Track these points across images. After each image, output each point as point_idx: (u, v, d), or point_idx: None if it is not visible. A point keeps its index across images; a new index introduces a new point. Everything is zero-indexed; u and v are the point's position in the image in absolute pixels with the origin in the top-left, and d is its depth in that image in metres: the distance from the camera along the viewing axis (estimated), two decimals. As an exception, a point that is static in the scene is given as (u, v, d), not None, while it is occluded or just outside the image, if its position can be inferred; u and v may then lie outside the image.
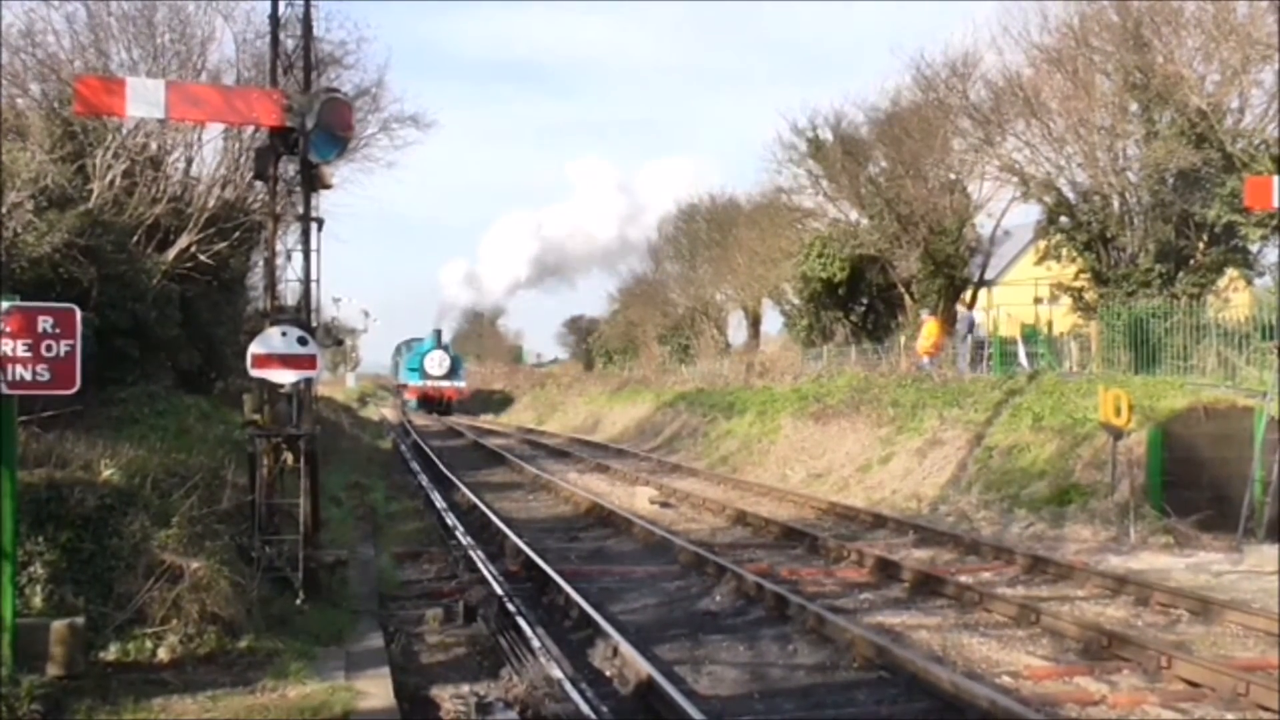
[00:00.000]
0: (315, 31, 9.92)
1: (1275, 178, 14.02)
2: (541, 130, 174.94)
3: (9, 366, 6.61)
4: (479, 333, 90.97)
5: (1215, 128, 21.16)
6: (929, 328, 24.58)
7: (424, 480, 21.60)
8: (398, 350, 67.36)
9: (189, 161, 18.66)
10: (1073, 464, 15.84)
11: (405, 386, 59.79)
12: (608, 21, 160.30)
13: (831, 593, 11.43)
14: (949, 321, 25.69)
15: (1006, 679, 8.18)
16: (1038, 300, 29.92)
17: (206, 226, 17.03)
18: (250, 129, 15.61)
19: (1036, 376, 19.78)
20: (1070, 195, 24.58)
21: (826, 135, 33.66)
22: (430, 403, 56.06)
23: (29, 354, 6.67)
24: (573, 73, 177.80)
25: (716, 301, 48.40)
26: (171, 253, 16.41)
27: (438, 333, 59.84)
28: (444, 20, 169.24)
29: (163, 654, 7.30)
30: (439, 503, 17.93)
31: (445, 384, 56.48)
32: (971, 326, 24.97)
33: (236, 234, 18.00)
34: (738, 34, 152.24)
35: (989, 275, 32.86)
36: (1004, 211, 29.88)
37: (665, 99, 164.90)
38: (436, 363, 56.46)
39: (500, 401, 63.42)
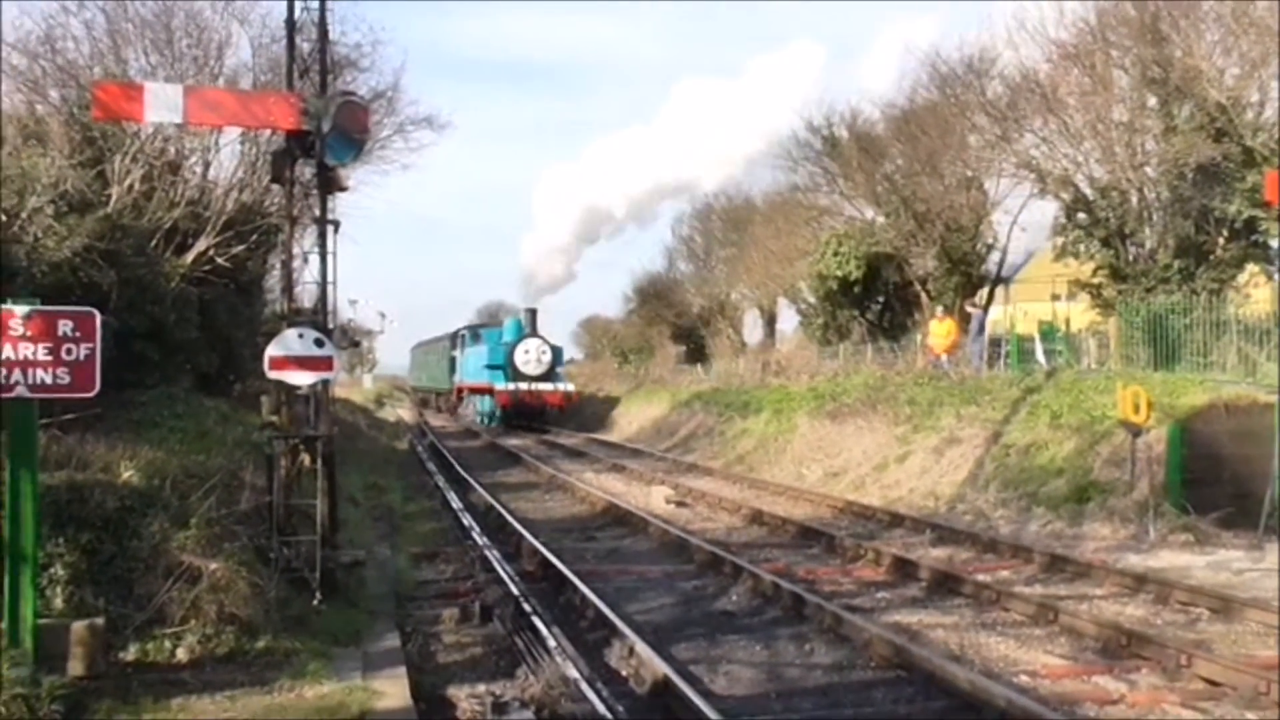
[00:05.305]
0: (331, 35, 9.99)
1: (1295, 172, 13.88)
2: (558, 128, 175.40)
3: (30, 370, 6.68)
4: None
5: (1234, 122, 20.99)
6: (937, 326, 24.49)
7: (440, 481, 21.65)
8: (453, 341, 49.31)
9: (206, 165, 18.78)
10: (1091, 461, 15.74)
11: (489, 390, 40.68)
12: (616, 20, 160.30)
13: (848, 592, 11.41)
14: (962, 320, 25.58)
15: (1024, 678, 8.15)
16: (1055, 297, 29.79)
17: (224, 230, 17.12)
18: (267, 133, 15.71)
19: (1054, 374, 19.68)
20: (1088, 191, 24.42)
21: (842, 133, 33.63)
22: (525, 412, 39.34)
23: (50, 357, 6.74)
24: (583, 72, 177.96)
25: (732, 300, 48.34)
26: (190, 256, 16.50)
27: (531, 313, 41.97)
28: (453, 21, 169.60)
29: (181, 654, 7.37)
30: (455, 503, 17.98)
31: (545, 386, 39.41)
32: (981, 327, 24.87)
33: (254, 237, 18.09)
34: (739, 32, 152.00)
35: (1006, 272, 32.68)
36: (1021, 208, 29.76)
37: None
38: (534, 357, 39.71)
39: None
